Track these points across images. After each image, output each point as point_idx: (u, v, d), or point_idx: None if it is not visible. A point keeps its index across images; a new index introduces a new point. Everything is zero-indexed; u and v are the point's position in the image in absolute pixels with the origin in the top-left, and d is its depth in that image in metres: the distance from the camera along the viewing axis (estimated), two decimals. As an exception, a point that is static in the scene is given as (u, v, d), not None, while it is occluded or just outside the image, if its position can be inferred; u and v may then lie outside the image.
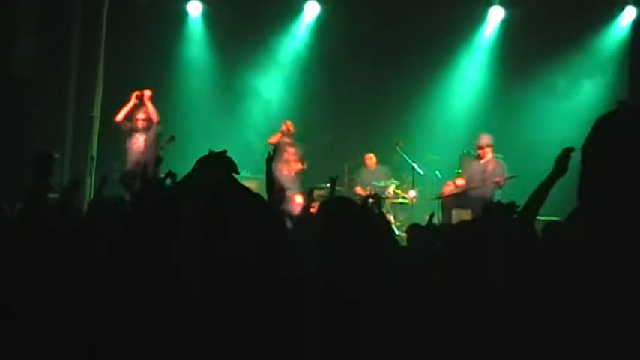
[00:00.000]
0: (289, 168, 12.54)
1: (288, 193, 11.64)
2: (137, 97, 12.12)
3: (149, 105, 12.04)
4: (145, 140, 12.03)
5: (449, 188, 12.17)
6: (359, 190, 13.28)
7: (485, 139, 12.27)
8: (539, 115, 14.11)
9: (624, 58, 13.57)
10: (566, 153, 4.13)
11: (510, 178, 11.72)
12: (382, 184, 13.19)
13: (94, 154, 13.53)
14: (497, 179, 11.97)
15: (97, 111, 13.86)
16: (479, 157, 12.31)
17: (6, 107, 11.07)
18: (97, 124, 13.86)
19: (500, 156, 12.30)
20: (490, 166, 12.19)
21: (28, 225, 4.44)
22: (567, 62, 14.35)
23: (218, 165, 4.47)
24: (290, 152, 12.62)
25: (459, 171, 12.90)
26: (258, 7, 14.61)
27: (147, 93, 12.11)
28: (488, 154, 12.23)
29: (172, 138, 8.87)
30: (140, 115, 12.10)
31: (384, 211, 7.62)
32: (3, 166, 10.64)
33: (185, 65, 15.29)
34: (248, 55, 15.12)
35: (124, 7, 14.20)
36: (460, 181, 12.36)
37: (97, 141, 13.81)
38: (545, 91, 14.29)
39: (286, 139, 12.72)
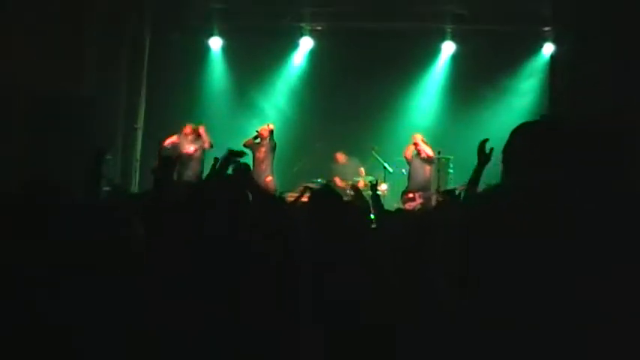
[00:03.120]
0: (259, 164, 12.60)
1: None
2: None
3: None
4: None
5: (412, 204, 12.13)
6: (338, 181, 13.38)
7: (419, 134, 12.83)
8: (482, 128, 14.18)
9: (546, 82, 13.70)
10: (481, 146, 4.23)
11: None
12: (359, 178, 13.26)
13: (138, 157, 13.63)
14: (427, 154, 12.46)
15: (140, 123, 13.97)
16: (417, 154, 12.75)
17: (71, 119, 11.15)
18: (140, 134, 13.97)
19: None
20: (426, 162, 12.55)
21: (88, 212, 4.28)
22: (504, 86, 14.50)
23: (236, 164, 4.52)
24: (261, 151, 12.70)
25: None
26: (265, 42, 14.72)
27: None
28: (421, 143, 12.60)
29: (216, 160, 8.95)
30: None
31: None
32: (67, 165, 10.68)
33: (208, 90, 15.36)
34: (257, 79, 15.22)
35: (161, 43, 14.31)
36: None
37: (140, 147, 13.92)
38: (487, 110, 14.39)
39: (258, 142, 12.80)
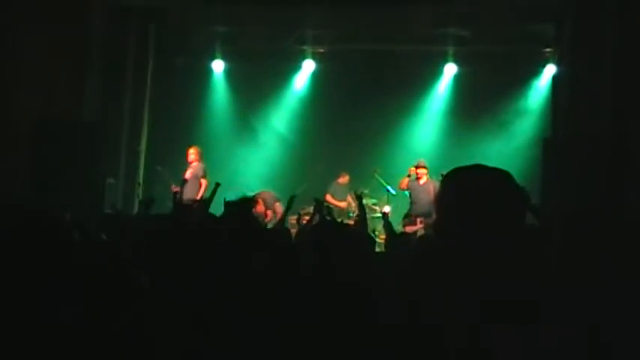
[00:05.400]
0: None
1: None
2: None
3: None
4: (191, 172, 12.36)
5: (412, 227, 12.05)
6: (329, 197, 13.33)
7: (422, 162, 12.50)
8: (484, 150, 14.19)
9: (548, 104, 13.65)
10: None
11: None
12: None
13: (140, 180, 13.65)
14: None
15: (142, 146, 14.00)
16: (417, 179, 12.44)
17: (73, 143, 11.16)
18: (142, 156, 14.00)
19: (434, 177, 12.45)
20: (431, 187, 12.34)
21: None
22: (505, 108, 14.50)
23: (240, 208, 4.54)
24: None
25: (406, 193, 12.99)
26: (266, 64, 14.76)
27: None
28: (424, 176, 12.40)
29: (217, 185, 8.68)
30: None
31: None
32: (73, 188, 10.74)
33: (211, 111, 15.41)
34: (260, 102, 15.26)
35: (164, 66, 14.38)
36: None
37: (143, 170, 13.94)
38: (488, 132, 14.39)
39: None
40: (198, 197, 11.58)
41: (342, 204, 13.33)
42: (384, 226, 6.41)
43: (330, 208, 9.15)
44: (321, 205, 6.87)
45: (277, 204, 12.75)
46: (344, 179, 14.00)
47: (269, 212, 12.33)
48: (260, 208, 11.95)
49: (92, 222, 6.72)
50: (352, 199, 13.01)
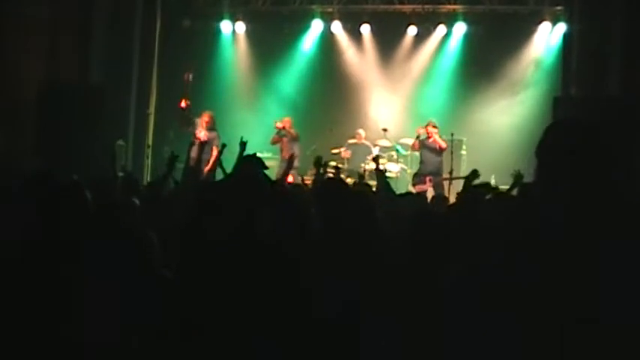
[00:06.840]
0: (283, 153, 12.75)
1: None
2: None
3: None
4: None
5: (422, 187, 11.97)
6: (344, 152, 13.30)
7: (433, 121, 12.37)
8: (496, 107, 14.17)
9: (559, 63, 13.50)
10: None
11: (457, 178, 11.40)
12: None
13: (150, 142, 13.66)
14: (441, 146, 12.04)
15: (151, 109, 13.99)
16: (427, 138, 12.30)
17: (84, 107, 11.15)
18: (151, 119, 14.02)
19: (444, 136, 12.31)
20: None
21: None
22: (516, 67, 14.36)
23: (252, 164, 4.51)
24: (283, 142, 12.80)
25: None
26: (275, 24, 14.75)
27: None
28: (434, 135, 12.23)
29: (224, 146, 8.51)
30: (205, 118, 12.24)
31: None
32: (81, 153, 10.74)
33: (219, 71, 15.35)
34: (268, 62, 15.19)
35: (172, 28, 14.32)
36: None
37: (152, 132, 13.96)
38: (499, 91, 14.30)
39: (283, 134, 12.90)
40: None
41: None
42: (378, 179, 6.41)
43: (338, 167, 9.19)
44: (320, 162, 6.76)
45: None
46: (359, 137, 13.93)
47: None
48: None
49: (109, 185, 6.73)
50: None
